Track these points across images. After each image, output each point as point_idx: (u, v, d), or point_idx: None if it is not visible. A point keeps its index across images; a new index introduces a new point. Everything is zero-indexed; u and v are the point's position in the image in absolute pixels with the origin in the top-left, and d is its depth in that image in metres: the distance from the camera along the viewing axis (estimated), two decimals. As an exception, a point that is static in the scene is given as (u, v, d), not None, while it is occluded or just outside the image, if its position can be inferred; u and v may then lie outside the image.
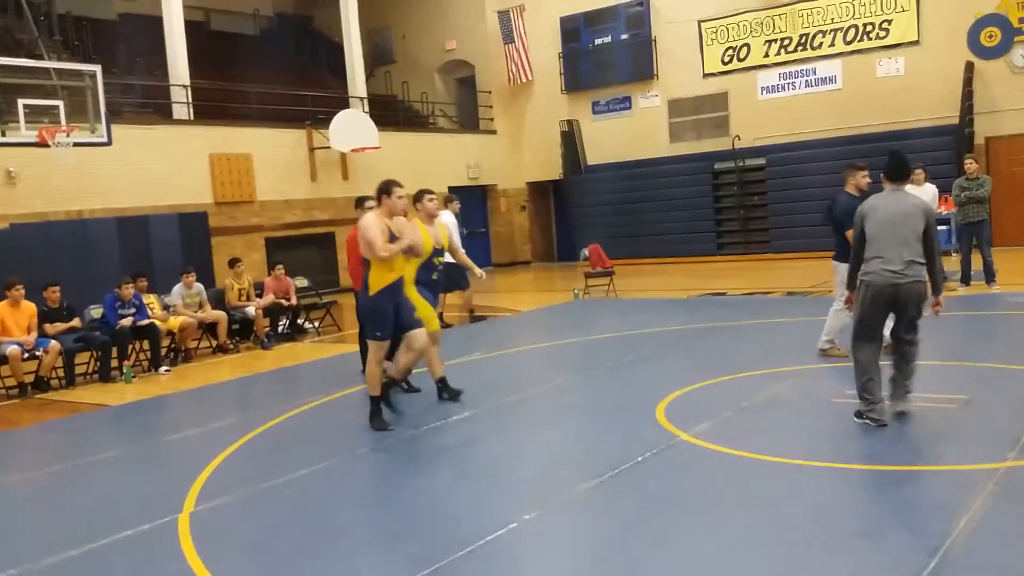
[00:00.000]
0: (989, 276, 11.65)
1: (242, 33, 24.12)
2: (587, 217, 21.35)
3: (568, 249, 23.03)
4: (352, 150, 18.91)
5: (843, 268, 6.66)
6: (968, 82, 17.18)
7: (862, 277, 5.89)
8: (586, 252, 15.39)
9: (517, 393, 7.90)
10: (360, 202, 9.05)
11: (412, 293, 7.22)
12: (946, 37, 17.68)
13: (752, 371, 7.71)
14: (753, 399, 6.89)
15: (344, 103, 20.07)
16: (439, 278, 7.80)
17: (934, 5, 17.86)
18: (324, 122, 18.62)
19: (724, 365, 8.13)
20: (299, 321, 13.03)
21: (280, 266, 13.12)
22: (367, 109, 20.25)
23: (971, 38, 17.50)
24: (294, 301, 12.87)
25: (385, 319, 6.69)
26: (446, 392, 7.59)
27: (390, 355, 7.11)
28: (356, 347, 11.56)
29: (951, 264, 12.57)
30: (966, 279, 11.96)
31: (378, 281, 6.65)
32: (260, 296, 12.64)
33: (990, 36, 17.35)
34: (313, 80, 22.26)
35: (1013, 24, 17.09)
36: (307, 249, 18.61)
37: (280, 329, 12.76)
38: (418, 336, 6.89)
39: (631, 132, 21.73)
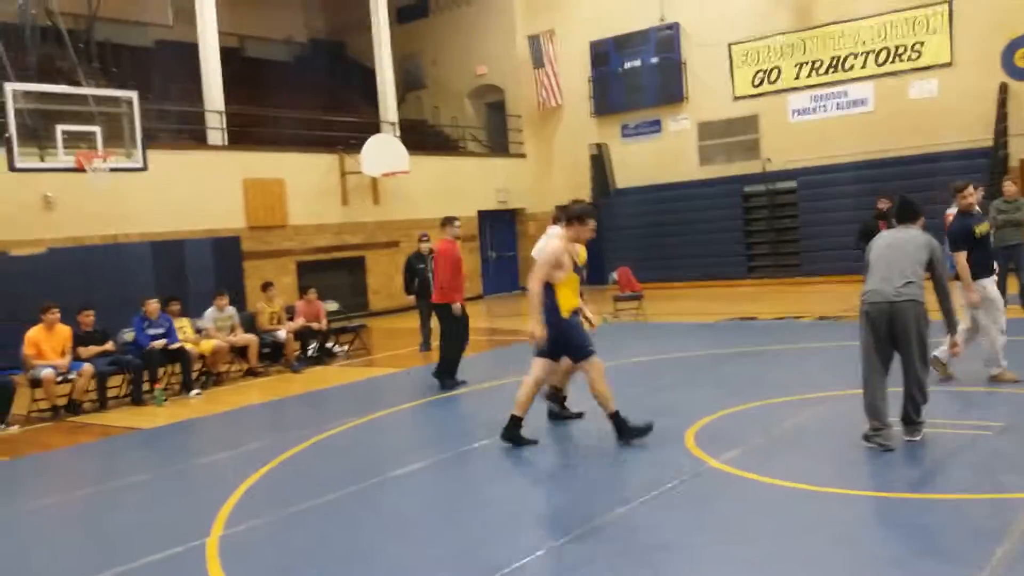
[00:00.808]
0: (1026, 300, 11.44)
1: (276, 59, 24.48)
2: (616, 240, 21.30)
3: (597, 273, 22.91)
4: (383, 175, 19.06)
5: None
6: (1002, 103, 16.99)
7: (863, 304, 5.96)
8: (615, 276, 15.34)
9: (544, 418, 7.85)
10: (449, 221, 9.72)
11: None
12: (979, 58, 17.51)
13: (782, 397, 7.63)
14: (783, 426, 6.80)
15: (375, 128, 20.26)
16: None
17: (967, 27, 17.70)
18: (356, 147, 18.80)
19: (754, 391, 8.04)
20: (328, 345, 13.10)
21: (312, 290, 13.21)
22: (398, 134, 20.43)
23: (1005, 59, 17.31)
24: (324, 325, 12.95)
25: (585, 334, 6.69)
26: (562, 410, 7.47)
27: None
28: (385, 371, 11.65)
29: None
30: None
31: (567, 303, 6.64)
32: (291, 320, 12.73)
33: (1024, 57, 17.18)
34: (345, 105, 22.52)
35: (1048, 45, 16.91)
36: (338, 273, 18.73)
37: (310, 352, 12.83)
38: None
39: (661, 155, 21.70)
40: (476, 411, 8.62)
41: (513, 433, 6.76)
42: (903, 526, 4.70)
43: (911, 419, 5.96)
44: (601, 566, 4.48)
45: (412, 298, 13.16)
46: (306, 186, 18.25)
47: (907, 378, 5.89)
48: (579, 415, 7.47)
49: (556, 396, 7.49)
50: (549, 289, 6.60)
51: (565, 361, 6.92)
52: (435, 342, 12.94)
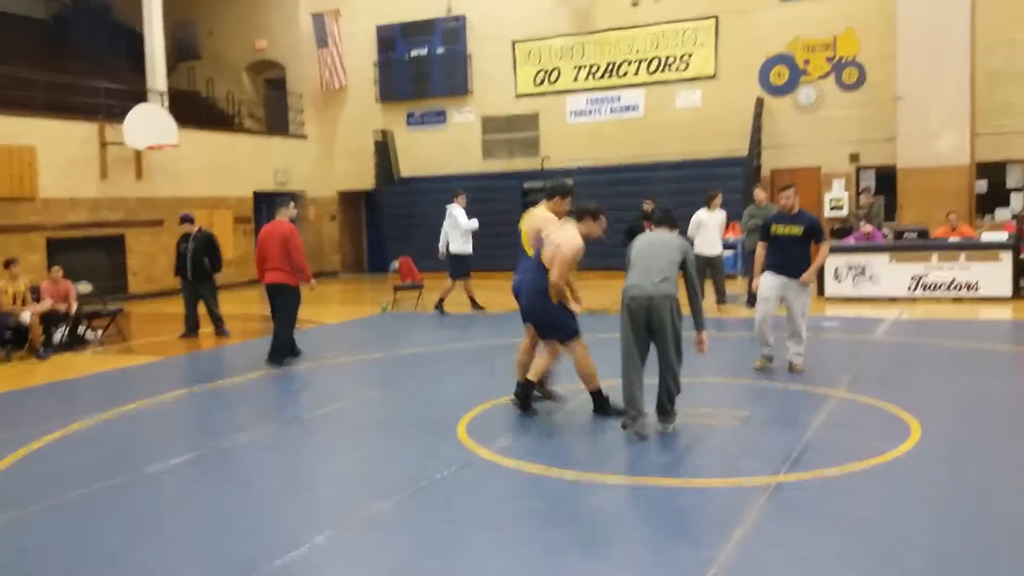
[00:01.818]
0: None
1: (31, 16, 22.29)
2: (399, 229, 21.21)
3: (378, 261, 22.77)
4: (148, 147, 17.84)
5: None
6: (758, 116, 18.49)
7: (624, 297, 6.32)
8: (396, 264, 15.26)
9: (316, 410, 7.67)
10: (284, 203, 10.03)
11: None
12: (740, 73, 18.95)
13: (554, 386, 7.85)
14: (553, 415, 7.02)
15: (142, 97, 18.91)
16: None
17: (730, 42, 19.10)
18: (119, 116, 17.46)
19: (526, 381, 8.23)
20: (80, 330, 12.09)
21: (57, 267, 12.11)
22: (167, 105, 19.18)
23: (762, 76, 18.86)
24: (74, 307, 11.93)
25: (572, 316, 6.82)
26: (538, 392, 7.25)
27: None
28: (144, 359, 10.92)
29: (737, 287, 13.44)
30: (752, 301, 12.77)
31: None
32: (37, 301, 11.63)
33: (779, 75, 18.77)
34: (109, 71, 20.83)
35: (799, 65, 18.58)
36: (94, 252, 17.34)
37: (59, 338, 11.78)
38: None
39: (445, 146, 21.82)
40: (242, 402, 8.26)
41: (605, 408, 6.82)
42: (654, 510, 4.96)
43: (665, 408, 6.34)
44: (363, 560, 4.40)
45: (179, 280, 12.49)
46: (60, 156, 16.74)
47: (662, 369, 6.26)
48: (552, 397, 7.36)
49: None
50: (541, 269, 6.74)
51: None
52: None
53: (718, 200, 12.82)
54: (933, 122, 16.32)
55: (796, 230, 8.17)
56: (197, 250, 12.19)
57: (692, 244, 13.02)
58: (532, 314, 6.94)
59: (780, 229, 8.25)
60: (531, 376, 6.94)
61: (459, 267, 13.70)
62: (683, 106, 19.61)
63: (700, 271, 12.93)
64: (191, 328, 12.27)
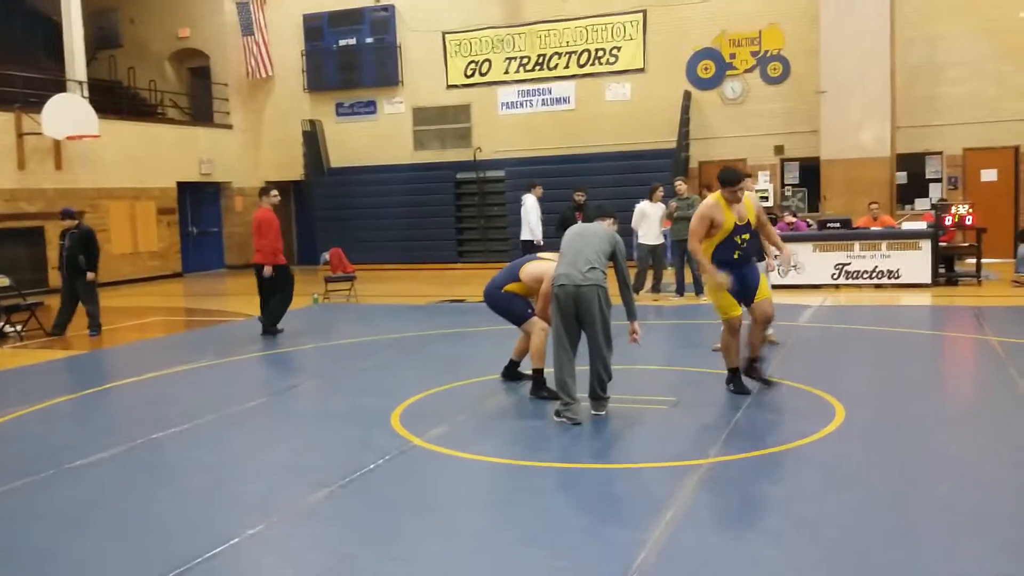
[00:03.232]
0: (699, 288, 12.72)
1: (-62, -1, 21.36)
2: (329, 220, 20.96)
3: (309, 252, 22.42)
4: (68, 137, 17.29)
5: None
6: (686, 110, 18.76)
7: (553, 287, 6.37)
8: (327, 256, 15.08)
9: (246, 402, 7.54)
10: (266, 191, 10.99)
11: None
12: (668, 67, 19.19)
13: (486, 376, 7.88)
14: (487, 403, 7.05)
15: (60, 86, 18.31)
16: (740, 256, 6.96)
17: (657, 36, 19.32)
18: (36, 106, 16.87)
19: (460, 370, 8.25)
20: (-1, 324, 11.66)
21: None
22: (86, 94, 18.60)
23: (689, 69, 19.13)
24: (-9, 301, 11.50)
25: (526, 305, 7.26)
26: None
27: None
28: (65, 353, 10.60)
29: (668, 276, 13.64)
30: (680, 291, 13.01)
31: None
32: (-50, 295, 11.18)
33: (705, 68, 19.06)
34: (25, 60, 20.10)
35: (725, 59, 18.89)
36: (11, 245, 16.75)
37: (-26, 333, 11.36)
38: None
39: (376, 137, 21.62)
40: (169, 396, 8.07)
41: (540, 388, 7.00)
42: (588, 494, 5.02)
43: (597, 395, 6.41)
44: (298, 551, 4.36)
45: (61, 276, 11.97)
46: (-26, 146, 16.12)
47: (592, 357, 6.32)
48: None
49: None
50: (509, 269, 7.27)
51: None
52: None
53: (660, 193, 13.21)
54: (855, 115, 16.78)
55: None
56: (72, 247, 11.62)
57: (637, 234, 13.27)
58: (491, 307, 7.41)
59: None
60: (535, 364, 7.05)
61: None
62: (613, 98, 19.77)
63: (643, 260, 13.17)
64: (57, 326, 11.77)
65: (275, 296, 10.91)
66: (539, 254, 7.37)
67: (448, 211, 20.88)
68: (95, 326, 11.78)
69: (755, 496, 4.87)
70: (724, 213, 6.81)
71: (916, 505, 4.65)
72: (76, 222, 11.91)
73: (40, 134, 16.91)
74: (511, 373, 7.65)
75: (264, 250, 10.71)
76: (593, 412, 6.41)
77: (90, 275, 11.64)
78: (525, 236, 14.22)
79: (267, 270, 10.71)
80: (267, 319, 10.94)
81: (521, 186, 19.88)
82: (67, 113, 17.14)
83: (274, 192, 11.01)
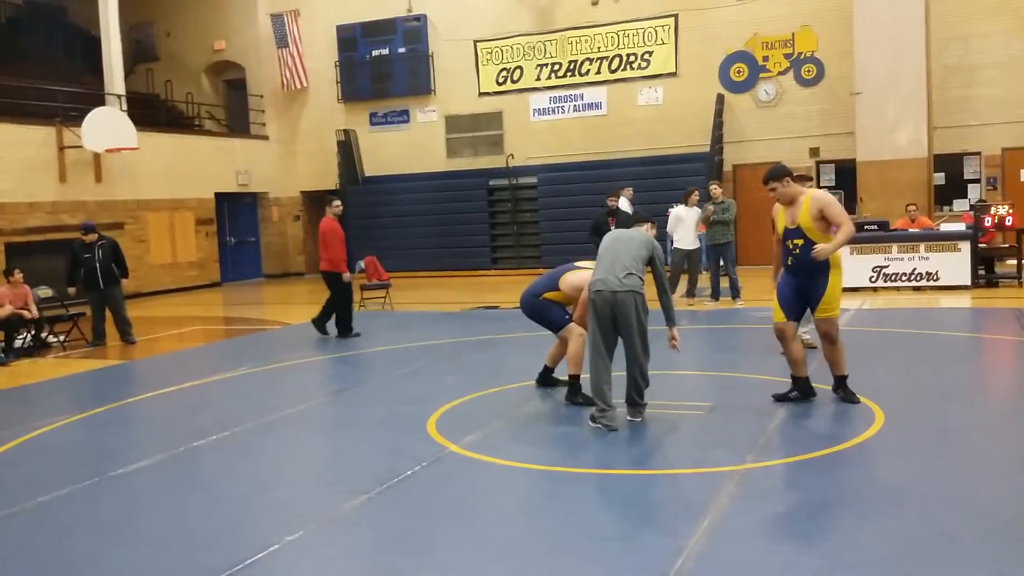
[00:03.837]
0: (735, 293, 12.64)
1: (-16, 19, 21.88)
2: (364, 229, 21.10)
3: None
4: (107, 150, 17.60)
5: None
6: (719, 113, 18.66)
7: (590, 293, 6.35)
8: (362, 264, 15.19)
9: (284, 410, 7.61)
10: (329, 201, 11.42)
11: None
12: (700, 70, 19.11)
13: (521, 382, 7.88)
14: (522, 409, 7.05)
15: (100, 100, 18.64)
16: (794, 263, 6.63)
17: (690, 40, 19.25)
18: (76, 120, 17.20)
19: (495, 377, 8.27)
20: (42, 335, 11.89)
21: (17, 271, 11.88)
22: (125, 107, 18.93)
23: (722, 73, 19.04)
24: (34, 312, 11.73)
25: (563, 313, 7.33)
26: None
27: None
28: (106, 363, 10.77)
29: (703, 281, 13.57)
30: (715, 295, 12.93)
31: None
32: (-3, 307, 11.41)
33: (738, 72, 18.96)
34: (65, 74, 20.52)
35: (758, 62, 18.78)
36: (54, 256, 17.01)
37: (22, 344, 11.59)
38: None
39: (409, 145, 21.76)
40: (208, 404, 8.18)
41: (576, 394, 7.02)
42: (625, 501, 5.00)
43: (634, 401, 6.39)
44: (335, 559, 4.39)
45: (73, 290, 12.19)
46: (16, 160, 16.46)
47: (629, 363, 6.30)
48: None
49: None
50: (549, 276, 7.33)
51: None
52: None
53: (695, 197, 13.15)
54: (891, 116, 16.57)
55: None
56: (105, 257, 11.97)
57: (672, 239, 13.20)
58: (528, 314, 7.42)
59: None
60: (571, 370, 7.04)
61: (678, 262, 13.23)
62: (645, 103, 19.73)
63: (678, 264, 13.10)
64: (98, 336, 12.03)
65: (337, 303, 11.41)
66: (578, 263, 7.34)
67: (481, 218, 20.93)
68: (130, 332, 12.06)
69: (793, 503, 4.82)
70: (778, 215, 6.70)
71: (955, 513, 4.57)
72: (98, 235, 12.22)
73: (80, 147, 17.22)
74: (545, 379, 7.65)
75: (332, 260, 11.25)
76: (629, 418, 6.38)
77: (124, 281, 12.14)
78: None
79: (346, 276, 11.29)
80: (339, 326, 11.43)
81: (553, 192, 19.99)
82: (106, 126, 17.44)
83: (336, 202, 11.38)
